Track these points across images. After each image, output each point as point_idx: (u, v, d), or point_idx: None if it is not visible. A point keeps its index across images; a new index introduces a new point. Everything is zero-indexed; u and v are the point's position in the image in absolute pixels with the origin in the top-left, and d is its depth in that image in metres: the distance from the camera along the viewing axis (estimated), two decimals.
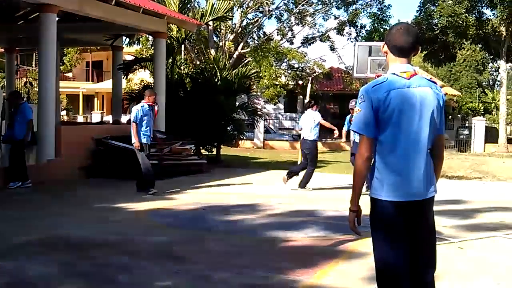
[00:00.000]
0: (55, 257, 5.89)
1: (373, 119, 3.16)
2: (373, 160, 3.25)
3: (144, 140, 10.60)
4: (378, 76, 12.95)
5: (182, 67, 19.85)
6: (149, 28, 15.67)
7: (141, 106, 10.75)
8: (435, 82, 3.37)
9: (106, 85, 35.23)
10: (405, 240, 3.20)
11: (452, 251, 6.43)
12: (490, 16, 30.51)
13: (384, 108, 3.14)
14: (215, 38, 28.29)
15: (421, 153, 3.21)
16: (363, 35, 30.86)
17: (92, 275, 5.32)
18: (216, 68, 17.97)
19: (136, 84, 22.54)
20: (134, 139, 10.54)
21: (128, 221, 8.08)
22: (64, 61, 41.46)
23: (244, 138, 25.76)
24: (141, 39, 28.71)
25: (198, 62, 26.34)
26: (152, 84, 16.69)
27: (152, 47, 19.73)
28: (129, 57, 23.06)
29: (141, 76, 23.30)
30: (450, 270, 5.58)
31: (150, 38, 23.60)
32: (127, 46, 28.10)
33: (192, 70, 21.42)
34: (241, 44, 28.09)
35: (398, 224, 3.19)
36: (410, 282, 3.26)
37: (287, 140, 31.14)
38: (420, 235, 3.26)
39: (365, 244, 6.59)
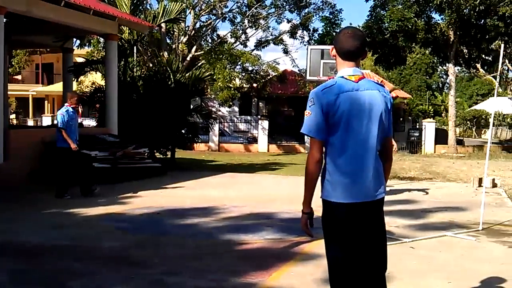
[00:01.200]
0: (5, 264, 5.74)
1: (323, 122, 3.20)
2: (324, 162, 3.29)
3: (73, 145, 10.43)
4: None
5: (134, 70, 19.63)
6: (100, 30, 15.44)
7: (66, 110, 10.56)
8: (382, 85, 3.43)
9: (57, 88, 34.53)
10: (356, 241, 3.25)
11: (404, 251, 6.55)
12: (438, 20, 31.30)
13: (333, 111, 3.19)
14: (168, 41, 28.10)
15: (370, 155, 3.27)
16: (315, 38, 31.21)
17: (44, 282, 5.20)
18: (169, 71, 17.85)
19: (88, 87, 22.16)
20: (70, 144, 10.33)
21: (81, 226, 7.92)
22: (13, 63, 40.42)
23: (199, 141, 25.68)
24: (92, 41, 28.27)
25: (151, 65, 26.11)
26: (104, 87, 16.45)
27: (104, 49, 19.43)
28: (80, 59, 22.67)
29: (93, 78, 22.92)
30: (402, 269, 5.68)
31: (102, 39, 23.28)
32: (78, 48, 27.65)
33: (145, 72, 21.22)
34: (195, 47, 27.99)
35: (350, 226, 3.24)
36: (362, 283, 3.30)
37: (242, 143, 31.21)
38: (371, 236, 3.31)
39: (320, 246, 6.64)
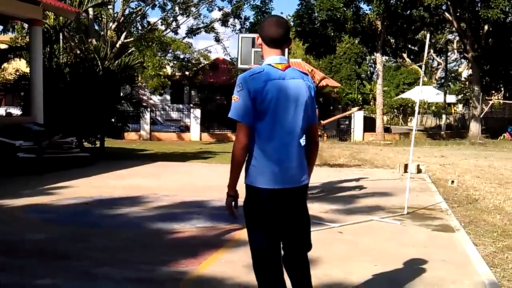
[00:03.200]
0: None
1: (251, 107, 3.23)
2: (250, 148, 3.32)
3: None
4: None
5: (61, 57, 19.01)
6: (24, 15, 14.88)
7: None
8: (307, 74, 3.50)
9: None
10: (278, 226, 3.33)
11: (332, 236, 6.69)
12: (367, 10, 32.00)
13: (261, 98, 3.24)
14: (96, 27, 27.42)
15: (296, 142, 3.36)
16: (247, 26, 31.26)
17: None
18: (97, 58, 17.41)
19: (11, 74, 21.33)
20: None
21: (3, 218, 7.63)
22: None
23: (130, 129, 25.24)
24: (16, 26, 27.20)
25: (78, 52, 25.38)
26: (29, 74, 15.87)
27: (28, 35, 18.72)
28: (3, 46, 21.75)
29: (17, 65, 22.06)
30: (330, 253, 5.79)
31: (26, 25, 22.44)
32: (1, 34, 26.52)
33: (72, 60, 20.60)
34: (124, 34, 27.45)
35: (275, 211, 3.30)
36: (286, 265, 3.42)
37: (174, 132, 30.92)
38: (296, 220, 3.40)
39: None
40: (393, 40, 33.99)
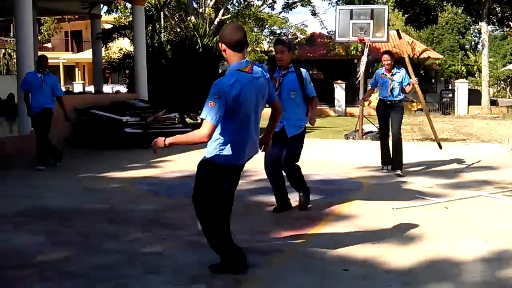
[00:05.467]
0: (41, 227, 5.85)
1: (223, 113, 3.85)
2: (221, 132, 4.04)
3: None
4: (360, 40, 12.49)
5: (162, 35, 19.57)
6: None
7: (31, 74, 9.87)
8: (262, 66, 4.24)
9: (87, 55, 34.78)
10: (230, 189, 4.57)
11: (438, 212, 6.48)
12: None
13: (237, 100, 3.88)
14: (195, 5, 27.91)
15: (256, 126, 4.20)
16: None
17: (79, 244, 5.27)
18: (197, 35, 17.75)
19: (115, 53, 22.23)
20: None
21: (114, 190, 8.02)
22: (42, 30, 40.63)
23: None
24: (119, 6, 28.25)
25: (178, 30, 26.03)
26: (132, 53, 16.47)
27: (131, 15, 19.39)
28: (108, 26, 22.68)
29: (121, 44, 22.96)
30: (436, 229, 5.63)
31: (129, 5, 23.25)
32: (105, 14, 27.68)
33: (172, 38, 21.15)
34: (222, 11, 27.75)
35: (229, 179, 4.46)
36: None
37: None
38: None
39: (351, 208, 6.64)
40: (499, 8, 32.09)
